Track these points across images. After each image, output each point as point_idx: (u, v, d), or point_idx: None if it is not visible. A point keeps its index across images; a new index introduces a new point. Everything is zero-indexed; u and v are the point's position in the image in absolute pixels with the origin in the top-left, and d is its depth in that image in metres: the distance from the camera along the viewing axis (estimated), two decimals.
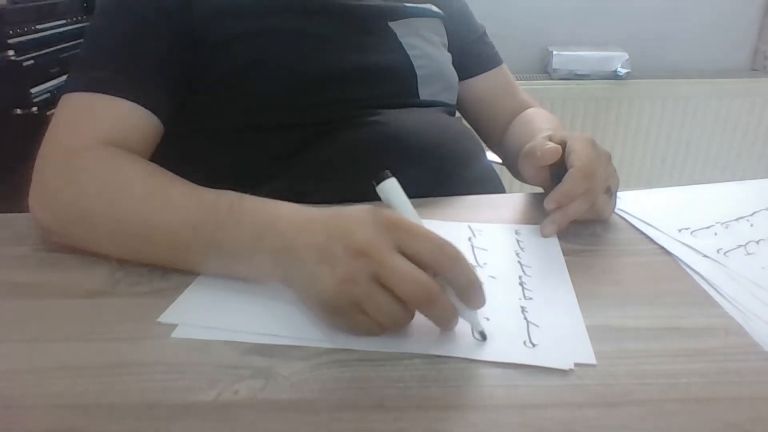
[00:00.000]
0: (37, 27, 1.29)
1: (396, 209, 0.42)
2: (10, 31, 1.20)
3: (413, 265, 0.39)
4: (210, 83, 0.67)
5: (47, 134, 0.58)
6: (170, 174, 0.54)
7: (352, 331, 0.41)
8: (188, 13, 0.65)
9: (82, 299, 0.47)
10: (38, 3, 1.34)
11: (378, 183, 0.42)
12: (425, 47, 0.78)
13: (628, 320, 0.43)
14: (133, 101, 0.60)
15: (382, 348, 0.40)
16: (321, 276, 0.40)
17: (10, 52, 1.18)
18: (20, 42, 1.22)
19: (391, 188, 0.43)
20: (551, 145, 0.58)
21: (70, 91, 0.60)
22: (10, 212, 0.62)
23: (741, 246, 0.54)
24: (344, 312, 0.40)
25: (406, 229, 0.40)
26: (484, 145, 0.85)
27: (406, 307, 0.39)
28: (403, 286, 0.38)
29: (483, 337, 0.41)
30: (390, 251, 0.39)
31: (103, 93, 0.59)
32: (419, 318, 0.42)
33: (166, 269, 0.50)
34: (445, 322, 0.41)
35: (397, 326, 0.41)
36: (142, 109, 0.61)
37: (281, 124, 0.67)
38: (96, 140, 0.57)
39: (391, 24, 0.75)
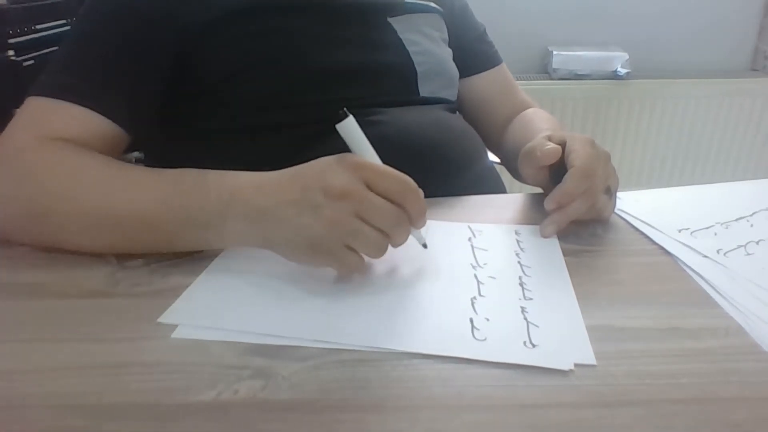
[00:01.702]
0: (37, 27, 1.29)
1: (355, 145, 0.47)
2: (10, 31, 1.20)
3: (385, 201, 0.44)
4: (209, 85, 0.66)
5: (1, 136, 0.56)
6: (124, 162, 0.54)
7: (342, 268, 0.46)
8: (179, 20, 0.64)
9: (82, 299, 0.47)
10: (38, 3, 1.34)
11: (338, 122, 0.46)
12: (425, 43, 0.78)
13: (628, 320, 0.43)
14: (95, 110, 0.58)
15: (382, 348, 0.40)
16: (307, 225, 0.44)
17: (10, 52, 1.18)
18: (20, 42, 1.22)
19: (350, 127, 0.47)
20: (551, 145, 0.58)
21: (35, 95, 0.59)
22: None
23: (741, 246, 0.54)
24: (334, 251, 0.45)
25: (372, 169, 0.45)
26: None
27: (386, 235, 0.45)
28: (381, 219, 0.44)
29: (425, 246, 0.51)
30: (365, 190, 0.44)
31: (65, 100, 0.58)
32: (419, 318, 0.43)
33: (166, 269, 0.50)
34: (403, 242, 0.47)
35: (381, 253, 0.46)
36: (103, 117, 0.59)
37: (280, 124, 0.67)
38: (47, 138, 0.55)
39: (390, 20, 0.75)
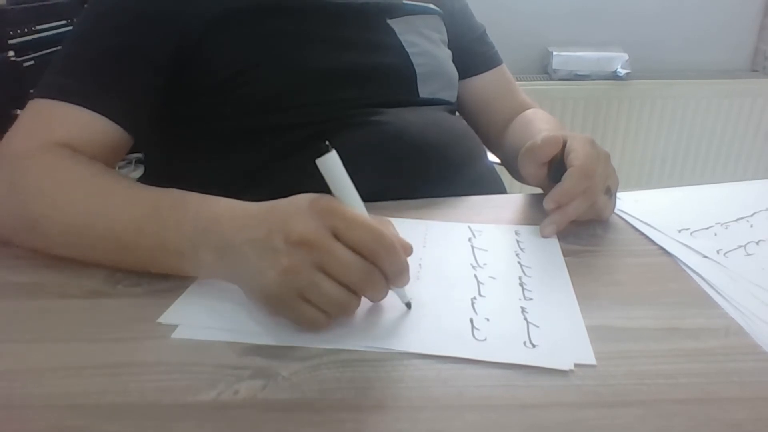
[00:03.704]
0: (37, 27, 1.29)
1: (335, 184, 0.42)
2: (10, 32, 1.20)
3: (352, 253, 0.39)
4: (208, 87, 0.66)
5: (2, 140, 0.57)
6: (115, 174, 0.54)
7: (298, 322, 0.41)
8: (179, 21, 0.64)
9: (81, 299, 0.47)
10: (38, 3, 1.34)
11: (319, 156, 0.41)
12: (425, 45, 0.78)
13: (628, 320, 0.43)
14: (97, 111, 0.58)
15: (382, 348, 0.40)
16: (264, 269, 0.41)
17: (10, 53, 1.18)
18: (20, 42, 1.22)
19: (331, 163, 0.41)
20: (552, 134, 0.58)
21: (37, 97, 0.59)
22: None
23: (741, 246, 0.54)
24: (288, 303, 0.41)
25: (344, 218, 0.40)
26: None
27: (351, 292, 0.40)
28: (346, 273, 0.40)
29: (409, 306, 0.44)
30: (329, 240, 0.39)
31: (67, 101, 0.58)
32: (419, 318, 0.43)
33: None
34: (378, 299, 0.43)
35: (344, 312, 0.41)
36: (106, 119, 0.59)
37: (280, 126, 0.67)
38: (48, 144, 0.55)
39: (390, 21, 0.75)
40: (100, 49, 0.62)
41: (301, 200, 0.42)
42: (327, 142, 0.41)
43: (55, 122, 0.58)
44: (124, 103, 0.61)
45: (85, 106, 0.58)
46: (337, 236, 0.40)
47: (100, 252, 0.50)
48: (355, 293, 0.41)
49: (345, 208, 0.41)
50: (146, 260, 0.49)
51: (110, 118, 0.59)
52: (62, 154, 0.55)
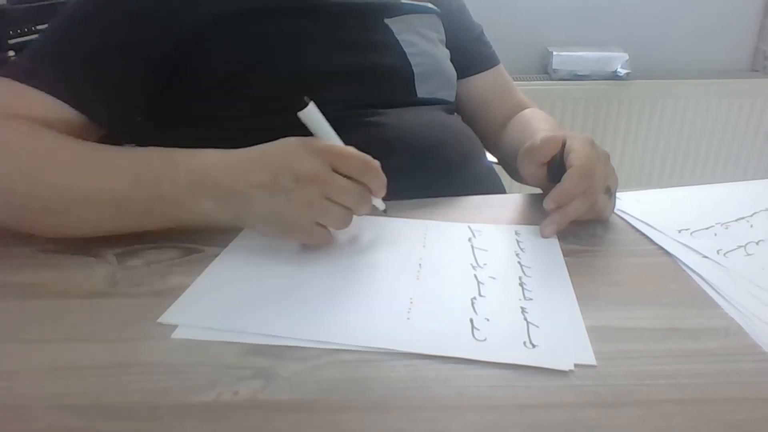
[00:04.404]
0: (37, 27, 1.29)
1: (318, 130, 0.51)
2: (10, 32, 1.20)
3: (349, 181, 0.49)
4: (205, 89, 0.66)
5: None
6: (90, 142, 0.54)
7: (314, 242, 0.51)
8: (175, 20, 0.64)
9: (82, 299, 0.47)
10: (38, 3, 1.34)
11: (300, 109, 0.49)
12: (422, 44, 0.78)
13: (628, 320, 0.43)
14: (61, 99, 0.58)
15: (382, 348, 0.40)
16: (279, 207, 0.49)
17: (11, 53, 1.18)
18: (20, 42, 1.22)
19: (312, 114, 0.50)
20: (551, 134, 0.58)
21: (4, 76, 0.58)
22: None
23: (741, 247, 0.54)
24: (306, 229, 0.50)
25: (336, 153, 0.49)
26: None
27: (350, 210, 0.50)
28: (348, 198, 0.49)
29: (385, 210, 0.56)
30: (331, 174, 0.48)
31: (32, 86, 0.57)
32: (419, 318, 0.43)
33: (166, 269, 0.50)
34: (365, 211, 0.52)
35: (346, 226, 0.51)
36: (69, 108, 0.59)
37: (278, 126, 0.67)
38: (9, 115, 0.55)
39: (387, 21, 0.75)
40: (80, 41, 0.61)
41: (293, 144, 0.50)
42: (305, 97, 0.49)
43: (19, 101, 0.57)
44: (94, 94, 0.60)
45: (48, 92, 0.58)
46: (334, 169, 0.48)
47: (87, 213, 0.50)
48: (352, 210, 0.50)
49: (335, 146, 0.50)
50: (142, 214, 0.50)
51: (75, 107, 0.59)
52: (29, 123, 0.54)
